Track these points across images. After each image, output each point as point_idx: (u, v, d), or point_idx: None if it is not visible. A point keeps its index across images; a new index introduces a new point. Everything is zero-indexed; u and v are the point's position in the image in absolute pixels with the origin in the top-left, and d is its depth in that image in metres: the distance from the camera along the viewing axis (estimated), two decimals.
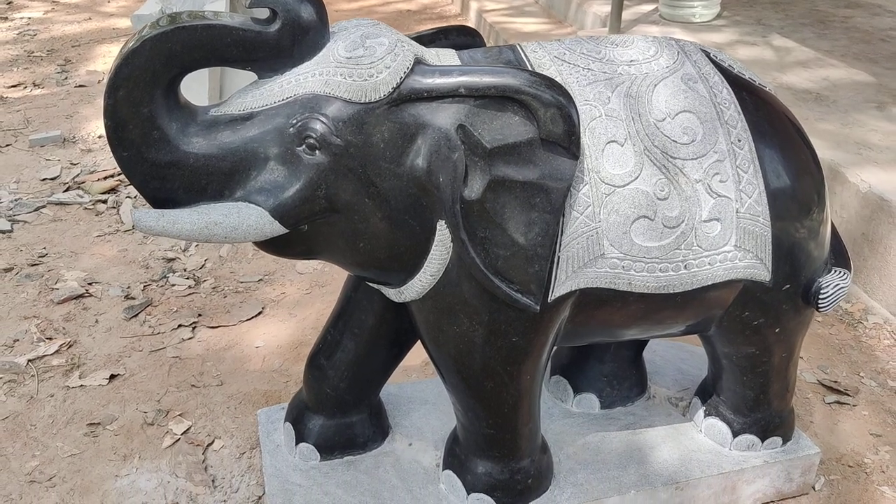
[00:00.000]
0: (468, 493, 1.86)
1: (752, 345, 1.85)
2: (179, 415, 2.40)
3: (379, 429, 2.06)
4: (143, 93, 1.42)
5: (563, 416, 2.17)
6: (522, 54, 1.65)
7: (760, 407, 1.98)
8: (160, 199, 1.50)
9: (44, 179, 3.95)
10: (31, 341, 2.73)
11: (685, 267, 1.63)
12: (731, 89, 1.67)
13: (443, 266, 1.59)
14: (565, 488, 1.94)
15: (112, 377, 2.56)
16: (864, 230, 2.96)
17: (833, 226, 1.95)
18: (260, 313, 2.91)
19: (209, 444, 2.29)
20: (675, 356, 2.41)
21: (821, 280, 1.79)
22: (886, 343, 2.76)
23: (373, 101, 1.46)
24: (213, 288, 3.06)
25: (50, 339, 2.74)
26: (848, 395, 2.49)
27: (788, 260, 1.72)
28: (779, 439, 2.03)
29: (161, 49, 1.40)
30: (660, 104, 1.60)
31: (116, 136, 1.44)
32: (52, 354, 2.66)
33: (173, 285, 3.07)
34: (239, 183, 1.50)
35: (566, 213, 1.55)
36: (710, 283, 1.66)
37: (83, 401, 2.46)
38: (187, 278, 3.11)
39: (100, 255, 3.29)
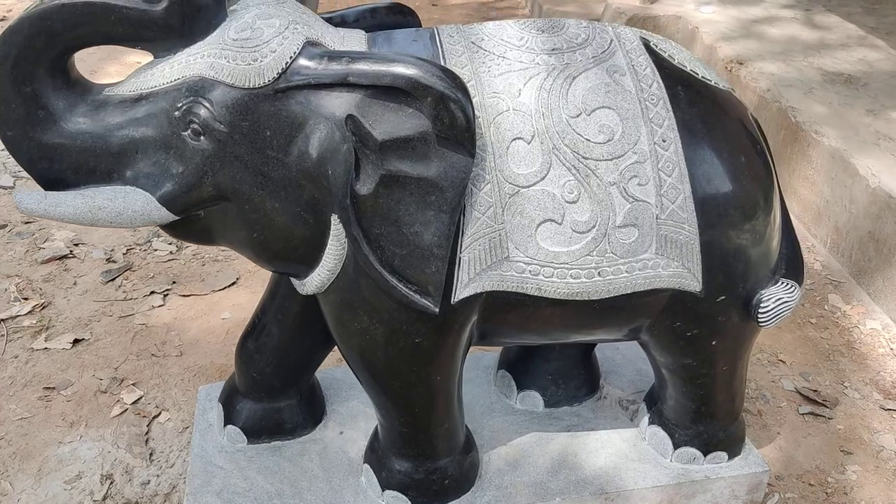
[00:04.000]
0: (383, 490, 1.81)
1: (688, 356, 1.73)
2: (133, 384, 2.41)
3: (309, 415, 2.02)
4: (23, 72, 1.38)
5: (505, 413, 2.09)
6: (437, 39, 1.54)
7: (703, 420, 1.87)
8: (49, 179, 1.46)
9: None
10: (7, 300, 2.78)
11: (599, 274, 1.52)
12: (663, 83, 1.53)
13: (340, 261, 1.52)
14: (487, 490, 1.87)
15: (76, 341, 2.58)
16: (870, 228, 2.76)
17: (792, 232, 1.80)
18: (234, 283, 2.89)
19: (155, 416, 2.30)
20: (637, 355, 2.29)
21: (763, 292, 1.65)
22: (881, 352, 2.58)
23: (257, 86, 1.39)
24: (194, 255, 3.05)
25: (26, 299, 2.79)
26: (825, 405, 2.34)
27: (722, 270, 1.59)
28: (723, 454, 1.92)
29: (41, 27, 1.35)
30: (576, 99, 1.47)
31: None
32: (24, 315, 2.70)
33: (155, 250, 3.08)
34: (128, 166, 1.46)
35: (467, 213, 1.46)
36: (629, 291, 1.55)
37: (44, 364, 2.49)
38: (170, 244, 3.11)
39: None
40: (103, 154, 1.44)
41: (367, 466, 1.86)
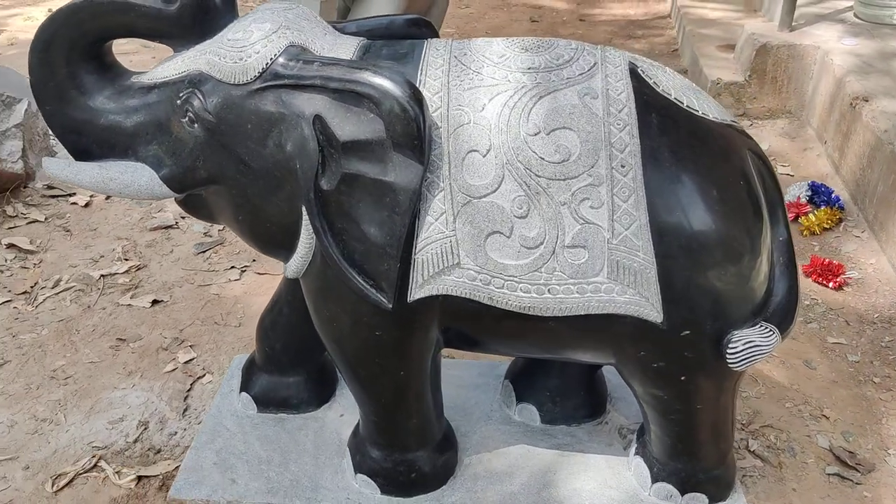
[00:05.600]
0: (356, 473, 1.91)
1: (658, 388, 1.70)
2: (190, 346, 2.66)
3: (315, 394, 2.16)
4: (60, 56, 1.61)
5: (500, 422, 2.13)
6: (423, 50, 1.62)
7: (680, 457, 1.82)
8: (78, 150, 1.69)
9: None
10: (112, 259, 3.13)
11: (549, 291, 1.53)
12: (635, 109, 1.52)
13: (310, 250, 1.64)
14: (456, 492, 1.92)
15: (155, 302, 2.87)
16: None
17: (793, 279, 1.70)
18: None
19: (200, 377, 2.52)
20: None
21: (735, 332, 1.60)
22: None
23: (241, 83, 1.54)
24: None
25: (127, 259, 3.13)
26: (856, 470, 2.17)
27: (686, 303, 1.56)
28: (703, 497, 1.85)
29: (73, 19, 1.58)
30: (537, 118, 1.50)
31: (39, 91, 1.65)
32: (121, 273, 3.04)
33: None
34: (140, 145, 1.66)
35: (421, 217, 1.53)
36: (582, 312, 1.56)
37: (124, 318, 2.80)
38: None
39: None
40: (121, 132, 1.65)
41: (347, 449, 1.97)
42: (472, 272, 1.55)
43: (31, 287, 2.95)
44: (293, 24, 1.59)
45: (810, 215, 3.29)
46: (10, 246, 3.17)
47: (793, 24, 4.36)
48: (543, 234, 1.50)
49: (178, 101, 1.59)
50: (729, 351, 1.59)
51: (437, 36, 1.81)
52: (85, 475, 2.16)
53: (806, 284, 2.96)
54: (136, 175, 1.65)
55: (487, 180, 1.50)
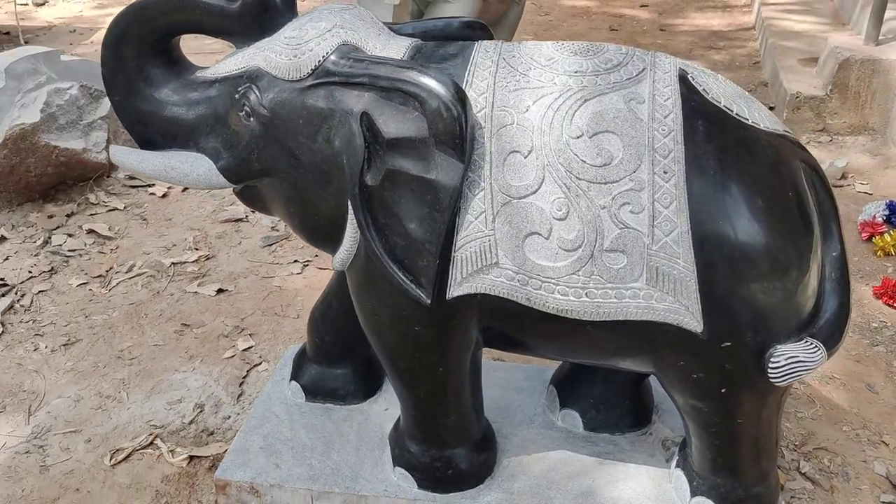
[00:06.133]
0: (394, 466, 1.95)
1: (698, 400, 1.67)
2: (250, 334, 2.75)
3: (361, 387, 2.20)
4: (129, 50, 1.70)
5: (543, 427, 2.12)
6: (473, 52, 1.64)
7: (720, 472, 1.78)
8: (144, 140, 1.78)
9: None
10: (183, 248, 3.26)
11: (586, 295, 1.53)
12: (681, 115, 1.51)
13: (355, 243, 1.68)
14: (494, 491, 1.93)
15: (220, 291, 2.98)
16: None
17: (844, 296, 1.64)
18: None
19: (256, 365, 2.61)
20: None
21: (779, 347, 1.56)
22: None
23: (295, 79, 1.60)
24: None
25: (197, 249, 3.25)
26: None
27: (727, 314, 1.53)
28: None
29: (142, 15, 1.67)
30: (581, 121, 1.50)
31: (109, 82, 1.74)
32: (191, 262, 3.16)
33: None
34: (201, 136, 1.73)
35: (461, 216, 1.55)
36: (620, 318, 1.55)
37: (190, 304, 2.91)
38: None
39: None
40: (183, 124, 1.73)
41: (388, 442, 2.00)
42: (510, 272, 1.56)
43: (107, 271, 3.10)
44: (348, 23, 1.63)
45: (885, 235, 3.16)
46: (90, 231, 3.34)
47: (880, 38, 4.20)
48: (582, 237, 1.50)
49: (237, 96, 1.66)
50: (771, 365, 1.56)
51: (491, 38, 1.83)
52: (141, 452, 2.26)
53: (875, 306, 2.85)
54: (196, 165, 1.72)
55: (528, 181, 1.51)
